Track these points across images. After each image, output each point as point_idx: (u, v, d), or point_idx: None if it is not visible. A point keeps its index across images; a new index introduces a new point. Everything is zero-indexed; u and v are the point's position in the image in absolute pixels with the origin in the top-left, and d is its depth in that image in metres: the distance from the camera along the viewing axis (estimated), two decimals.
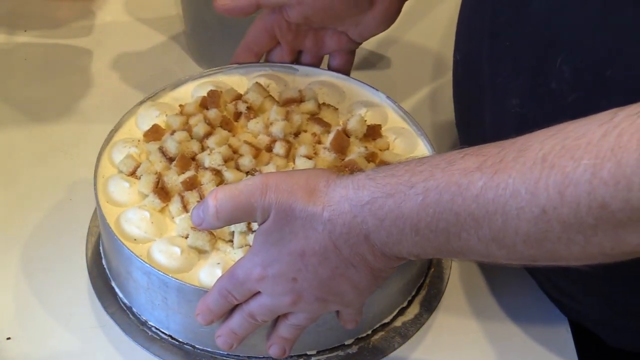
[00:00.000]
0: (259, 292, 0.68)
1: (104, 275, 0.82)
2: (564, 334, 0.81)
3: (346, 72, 0.93)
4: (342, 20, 0.89)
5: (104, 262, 0.82)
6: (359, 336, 0.78)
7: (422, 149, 0.85)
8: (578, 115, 0.62)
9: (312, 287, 0.66)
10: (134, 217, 0.77)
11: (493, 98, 0.75)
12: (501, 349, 0.80)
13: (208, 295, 0.70)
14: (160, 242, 0.76)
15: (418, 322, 0.80)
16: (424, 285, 0.83)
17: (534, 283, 0.84)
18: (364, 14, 0.89)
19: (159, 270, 0.73)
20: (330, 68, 0.93)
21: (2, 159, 0.94)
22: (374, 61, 1.08)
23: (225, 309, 0.70)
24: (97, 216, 0.83)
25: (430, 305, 0.82)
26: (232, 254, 0.76)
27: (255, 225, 0.75)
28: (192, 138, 0.83)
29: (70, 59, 1.06)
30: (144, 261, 0.74)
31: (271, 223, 0.65)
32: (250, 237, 0.75)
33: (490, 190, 0.57)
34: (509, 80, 0.72)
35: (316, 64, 0.93)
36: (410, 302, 0.81)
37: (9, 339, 0.79)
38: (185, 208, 0.78)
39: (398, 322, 0.80)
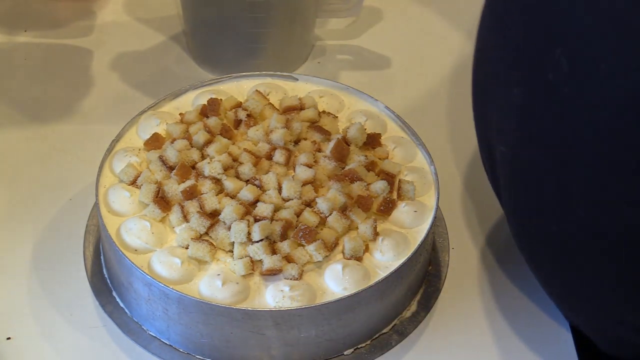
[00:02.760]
0: None
1: (103, 275, 0.82)
2: (564, 334, 0.81)
3: None
4: None
5: (104, 272, 0.82)
6: (359, 346, 0.79)
7: (421, 158, 0.86)
8: (573, 108, 0.62)
9: None
10: (135, 228, 0.78)
11: (498, 87, 0.74)
12: (498, 347, 0.80)
13: None
14: (161, 253, 0.76)
15: (415, 320, 0.81)
16: (422, 283, 0.83)
17: (533, 282, 0.84)
18: None
19: (160, 282, 0.74)
20: None
21: (2, 159, 0.94)
22: (374, 61, 1.09)
23: None
24: (95, 216, 0.84)
25: (427, 304, 0.82)
26: (232, 265, 0.76)
27: (255, 235, 0.76)
28: (192, 146, 0.83)
29: (70, 59, 1.06)
30: (144, 272, 0.74)
31: None
32: (250, 248, 0.76)
33: None
34: (511, 69, 0.71)
35: None
36: None
37: (9, 339, 0.79)
38: (185, 218, 0.78)
39: (395, 320, 0.80)
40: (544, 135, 0.68)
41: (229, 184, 0.79)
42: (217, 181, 0.80)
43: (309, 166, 0.81)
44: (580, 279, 0.72)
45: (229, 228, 0.77)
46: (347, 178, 0.81)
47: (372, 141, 0.86)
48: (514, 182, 0.74)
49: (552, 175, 0.68)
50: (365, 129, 0.86)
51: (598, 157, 0.64)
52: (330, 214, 0.78)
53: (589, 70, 0.63)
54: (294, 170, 0.82)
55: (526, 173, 0.72)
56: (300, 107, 0.88)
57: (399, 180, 0.83)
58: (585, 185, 0.66)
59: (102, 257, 0.83)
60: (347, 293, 0.74)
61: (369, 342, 0.79)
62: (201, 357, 0.77)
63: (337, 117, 0.88)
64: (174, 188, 0.80)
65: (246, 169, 0.81)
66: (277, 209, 0.78)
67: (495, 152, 0.77)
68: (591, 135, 0.65)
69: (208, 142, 0.83)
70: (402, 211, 0.80)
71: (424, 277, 0.83)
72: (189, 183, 0.80)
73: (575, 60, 0.64)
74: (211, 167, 0.80)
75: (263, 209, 0.77)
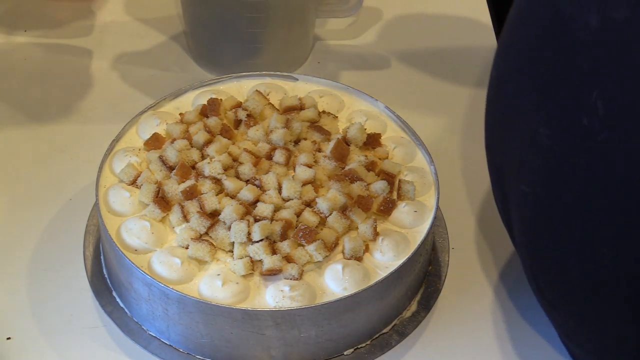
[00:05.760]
0: None
1: (103, 275, 0.82)
2: None
3: None
4: None
5: (104, 272, 0.82)
6: (359, 346, 0.79)
7: (421, 158, 0.86)
8: (609, 155, 0.60)
9: None
10: (135, 228, 0.78)
11: (521, 122, 0.70)
12: (499, 347, 0.80)
13: None
14: (161, 253, 0.76)
15: (415, 320, 0.81)
16: (422, 283, 0.83)
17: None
18: None
19: (160, 282, 0.74)
20: None
21: (2, 159, 0.94)
22: (374, 61, 1.09)
23: None
24: (95, 216, 0.84)
25: (427, 303, 0.82)
26: (232, 265, 0.76)
27: (255, 235, 0.76)
28: (192, 146, 0.83)
29: (70, 59, 1.06)
30: (145, 272, 0.74)
31: None
32: (250, 248, 0.76)
33: None
34: (538, 108, 0.68)
35: None
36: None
37: (9, 339, 0.79)
38: (185, 218, 0.78)
39: (395, 320, 0.80)
40: (574, 180, 0.65)
41: (229, 184, 0.79)
42: (217, 181, 0.80)
43: (309, 166, 0.81)
44: (601, 323, 0.70)
45: (229, 228, 0.77)
46: (347, 178, 0.81)
47: (372, 141, 0.86)
48: (534, 222, 0.72)
49: (579, 220, 0.65)
50: (365, 129, 0.86)
51: (633, 206, 0.62)
52: (330, 214, 0.78)
53: (628, 116, 0.60)
54: (294, 170, 0.82)
55: (549, 215, 0.69)
56: (300, 107, 0.88)
57: (399, 180, 0.83)
58: (616, 234, 0.64)
59: (102, 257, 0.83)
60: (347, 293, 0.74)
61: (369, 342, 0.79)
62: (201, 357, 0.77)
63: (337, 117, 0.88)
64: (174, 188, 0.79)
65: (246, 169, 0.81)
66: (277, 209, 0.78)
67: (511, 187, 0.74)
68: (625, 183, 0.62)
69: (208, 142, 0.83)
70: (402, 211, 0.80)
71: (424, 277, 0.83)
72: (189, 183, 0.80)
73: (613, 105, 0.61)
74: (211, 167, 0.80)
75: (263, 209, 0.77)
